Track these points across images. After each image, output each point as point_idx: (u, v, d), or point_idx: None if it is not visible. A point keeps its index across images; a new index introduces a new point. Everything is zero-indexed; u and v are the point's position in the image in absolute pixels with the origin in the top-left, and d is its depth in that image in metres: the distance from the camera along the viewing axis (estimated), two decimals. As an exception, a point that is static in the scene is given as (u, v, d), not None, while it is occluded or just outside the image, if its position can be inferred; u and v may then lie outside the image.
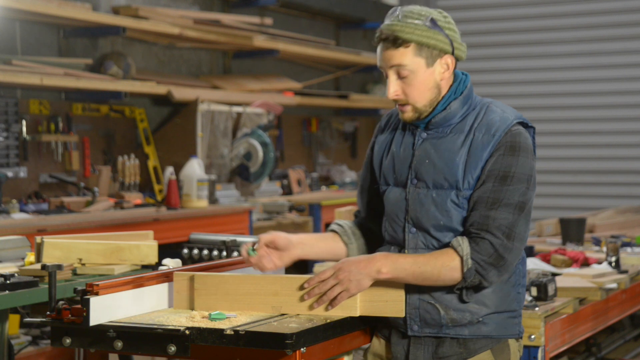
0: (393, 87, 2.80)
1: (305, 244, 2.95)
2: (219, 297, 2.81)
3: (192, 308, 2.84)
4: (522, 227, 2.74)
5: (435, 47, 2.77)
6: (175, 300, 2.87)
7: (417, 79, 2.78)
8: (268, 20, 8.27)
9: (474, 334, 2.78)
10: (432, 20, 2.76)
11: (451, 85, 2.84)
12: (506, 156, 2.74)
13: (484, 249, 2.69)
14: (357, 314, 2.78)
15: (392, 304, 2.78)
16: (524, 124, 2.82)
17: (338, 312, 2.77)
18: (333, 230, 3.05)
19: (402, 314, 2.78)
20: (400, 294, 2.78)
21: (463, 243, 2.71)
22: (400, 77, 2.79)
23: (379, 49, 2.81)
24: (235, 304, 2.81)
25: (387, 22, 2.80)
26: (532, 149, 2.80)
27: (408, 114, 2.83)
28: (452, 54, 2.80)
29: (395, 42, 2.75)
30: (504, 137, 2.75)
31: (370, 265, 2.72)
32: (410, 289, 2.80)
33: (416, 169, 2.83)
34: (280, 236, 2.90)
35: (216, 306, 2.80)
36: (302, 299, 2.77)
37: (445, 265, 2.70)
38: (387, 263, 2.72)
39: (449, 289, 2.76)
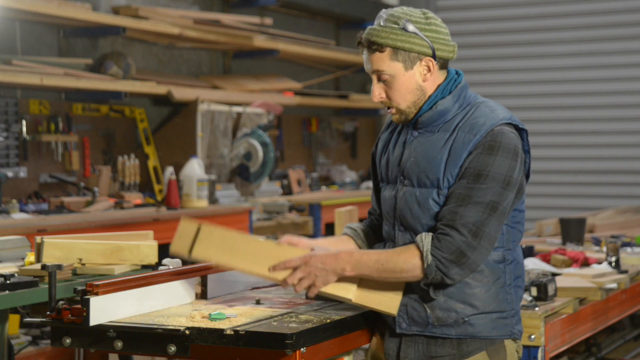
0: (377, 91, 2.83)
1: (324, 249, 2.95)
2: (220, 250, 2.79)
3: (189, 252, 2.80)
4: (492, 228, 2.71)
5: (412, 50, 2.77)
6: (174, 242, 2.84)
7: (397, 82, 2.79)
8: (268, 20, 8.27)
9: (460, 334, 2.77)
10: (409, 23, 2.76)
11: (440, 85, 2.83)
12: (483, 155, 2.72)
13: (446, 246, 2.68)
14: (352, 300, 2.78)
15: (388, 300, 2.78)
16: (515, 126, 2.80)
17: (333, 291, 2.78)
18: (346, 234, 3.07)
19: (395, 312, 2.79)
20: (398, 293, 2.79)
21: (425, 239, 2.71)
22: (381, 80, 2.80)
23: (362, 53, 2.84)
24: (234, 259, 2.79)
25: (371, 25, 2.82)
26: (515, 149, 2.75)
27: (395, 115, 2.86)
28: (433, 55, 2.79)
29: (370, 47, 2.78)
30: (484, 137, 2.73)
31: (334, 263, 2.75)
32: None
33: (404, 166, 2.84)
34: (302, 241, 2.91)
35: (214, 257, 2.79)
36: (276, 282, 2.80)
37: (407, 261, 2.71)
38: (351, 261, 2.75)
39: (435, 287, 2.76)
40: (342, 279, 2.78)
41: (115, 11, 6.86)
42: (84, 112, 6.69)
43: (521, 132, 2.81)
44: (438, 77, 2.82)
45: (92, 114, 6.78)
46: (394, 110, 2.84)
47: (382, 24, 2.78)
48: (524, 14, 10.13)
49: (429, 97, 2.81)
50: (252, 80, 8.29)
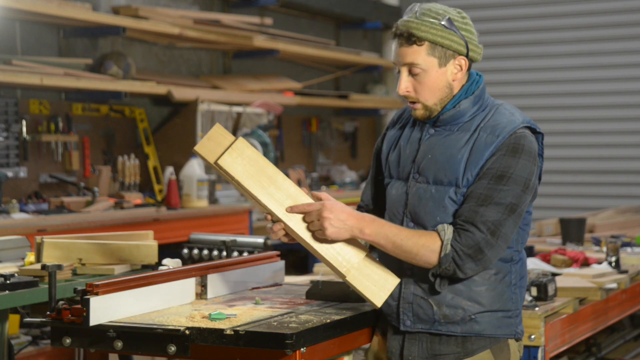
0: (404, 84, 2.80)
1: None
2: (246, 169, 2.71)
3: (216, 160, 2.72)
4: (509, 228, 2.73)
5: (450, 47, 2.77)
6: (201, 143, 2.74)
7: (429, 78, 2.78)
8: (268, 20, 8.26)
9: (466, 332, 2.78)
10: (449, 20, 2.76)
11: (463, 85, 2.84)
12: (507, 157, 2.74)
13: (465, 240, 2.70)
14: (345, 277, 2.74)
15: (378, 290, 2.76)
16: (532, 129, 2.82)
17: (332, 260, 2.73)
18: None
19: (378, 305, 2.77)
20: (389, 288, 2.77)
21: (447, 229, 2.72)
22: (412, 74, 2.79)
23: (393, 44, 2.81)
24: (256, 184, 2.71)
25: (404, 18, 2.79)
26: (535, 153, 2.79)
27: (419, 111, 2.83)
28: (467, 55, 2.80)
29: (409, 39, 2.76)
30: (507, 139, 2.76)
31: (356, 221, 2.72)
32: (406, 284, 2.81)
33: (419, 163, 2.84)
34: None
35: (238, 174, 2.71)
36: (286, 210, 2.72)
37: (426, 245, 2.71)
38: (373, 226, 2.73)
39: (440, 281, 2.76)
40: (346, 251, 2.74)
41: (115, 11, 6.86)
42: (84, 112, 6.69)
43: (537, 135, 2.83)
44: (464, 77, 2.84)
45: (92, 114, 6.77)
46: (419, 106, 2.82)
47: (418, 16, 2.77)
48: (524, 14, 10.13)
49: (454, 96, 2.82)
50: (252, 80, 8.29)
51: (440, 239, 2.71)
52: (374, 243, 2.75)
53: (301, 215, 2.74)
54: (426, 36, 2.75)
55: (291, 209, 2.72)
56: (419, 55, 2.76)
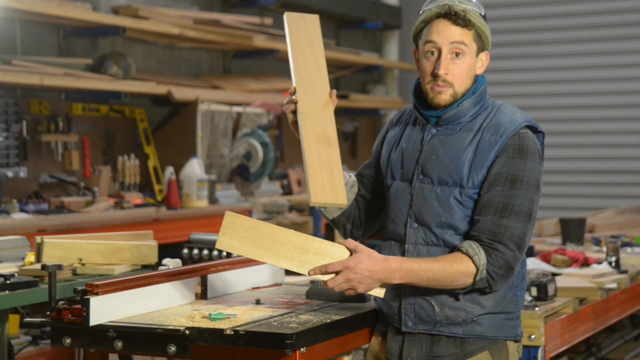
0: (445, 64, 2.78)
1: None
2: (243, 239, 2.68)
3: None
4: (529, 236, 2.77)
5: (486, 39, 2.83)
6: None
7: (466, 62, 2.80)
8: (268, 20, 8.26)
9: (467, 334, 2.78)
10: (485, 14, 2.82)
11: (471, 86, 2.85)
12: (515, 159, 2.75)
13: (497, 261, 2.71)
14: None
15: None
16: (533, 129, 2.83)
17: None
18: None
19: (382, 295, 2.76)
20: None
21: (480, 253, 2.71)
22: (454, 54, 2.78)
23: (437, 24, 2.79)
24: (255, 248, 2.68)
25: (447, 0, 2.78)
26: (540, 153, 2.80)
27: (445, 95, 2.81)
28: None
29: (464, 19, 2.77)
30: (511, 139, 2.76)
31: (383, 273, 2.68)
32: (408, 285, 2.80)
33: (423, 164, 2.83)
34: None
35: (237, 249, 2.67)
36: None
37: (460, 271, 2.70)
38: (401, 271, 2.69)
39: None
40: None
41: (115, 11, 6.85)
42: (84, 112, 6.69)
43: (538, 134, 2.85)
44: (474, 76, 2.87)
45: (92, 114, 6.77)
46: (449, 91, 2.80)
47: (464, 1, 2.78)
48: (525, 14, 10.13)
49: (462, 95, 2.82)
50: (252, 80, 8.29)
51: (475, 265, 2.70)
52: (406, 283, 2.73)
53: (316, 257, 2.69)
54: (475, 22, 2.79)
55: (314, 271, 2.67)
56: (467, 36, 2.79)
